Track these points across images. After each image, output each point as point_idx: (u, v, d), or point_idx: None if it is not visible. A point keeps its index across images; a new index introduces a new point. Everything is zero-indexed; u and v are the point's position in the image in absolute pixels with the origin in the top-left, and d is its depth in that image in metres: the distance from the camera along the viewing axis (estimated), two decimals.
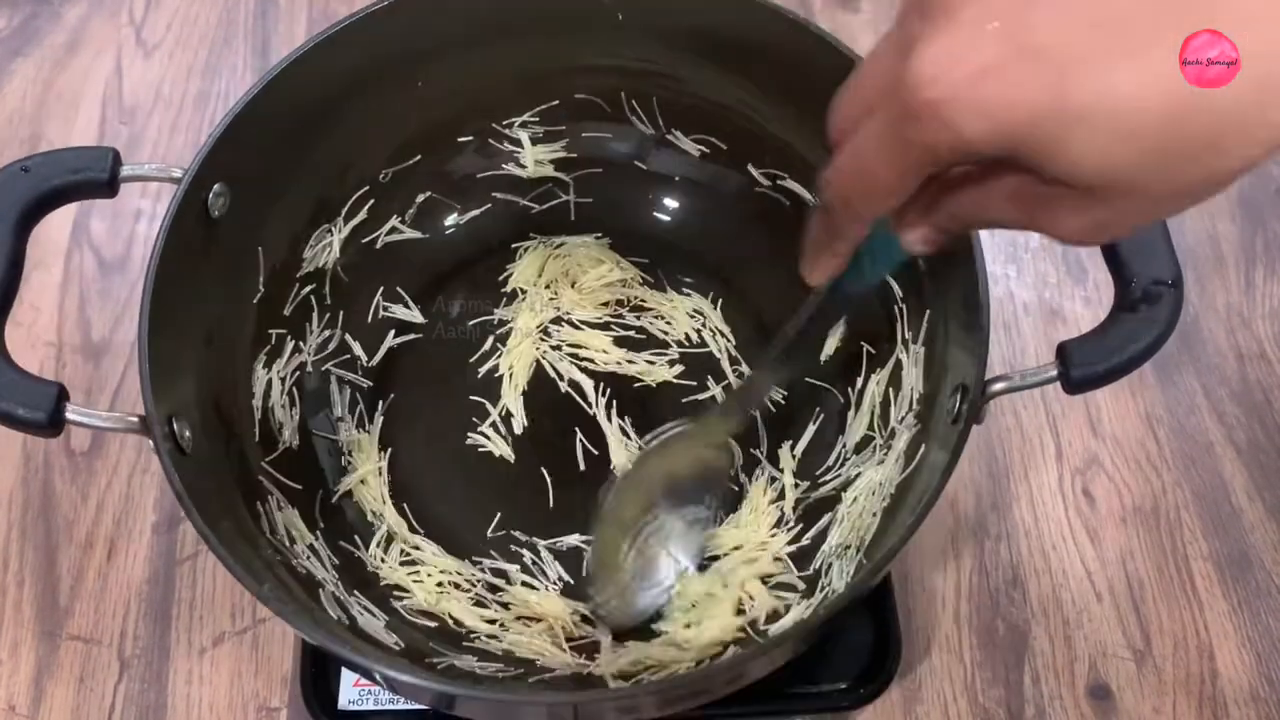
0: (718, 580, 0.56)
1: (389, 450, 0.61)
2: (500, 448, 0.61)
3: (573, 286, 0.66)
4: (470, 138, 0.65)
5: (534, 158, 0.66)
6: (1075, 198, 0.32)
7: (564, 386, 0.63)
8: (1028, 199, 0.33)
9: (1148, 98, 0.28)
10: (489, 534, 0.59)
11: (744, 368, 0.63)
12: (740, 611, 0.55)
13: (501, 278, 0.66)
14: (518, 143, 0.66)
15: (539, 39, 0.61)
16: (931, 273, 0.56)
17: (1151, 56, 0.28)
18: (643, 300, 0.66)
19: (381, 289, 0.65)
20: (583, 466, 0.61)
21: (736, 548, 0.58)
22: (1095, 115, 0.29)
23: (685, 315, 0.65)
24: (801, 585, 0.56)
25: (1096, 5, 0.29)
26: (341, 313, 0.64)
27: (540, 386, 0.63)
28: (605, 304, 0.66)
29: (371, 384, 0.63)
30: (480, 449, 0.62)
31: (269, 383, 0.59)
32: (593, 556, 0.57)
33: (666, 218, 0.68)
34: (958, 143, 0.30)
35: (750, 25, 0.58)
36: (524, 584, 0.57)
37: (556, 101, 0.64)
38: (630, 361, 0.64)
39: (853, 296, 0.46)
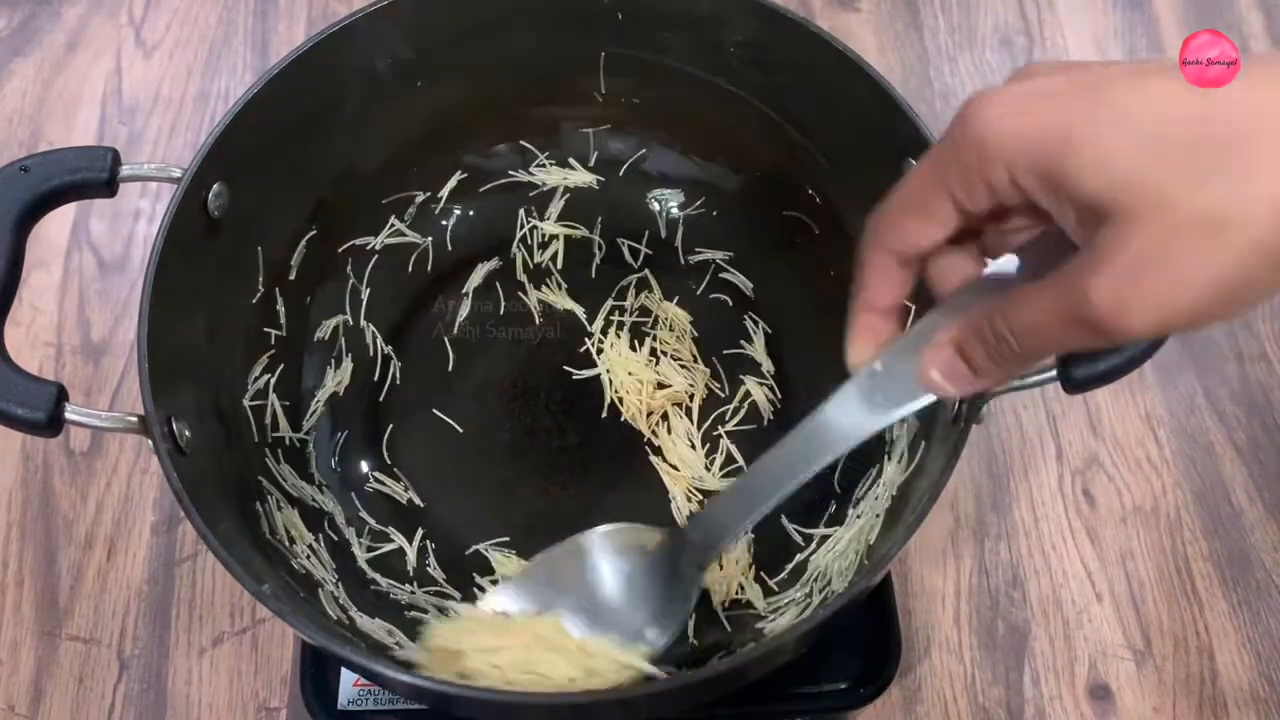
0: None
1: (388, 453, 0.61)
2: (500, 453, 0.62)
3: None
4: None
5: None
6: (1100, 254, 0.31)
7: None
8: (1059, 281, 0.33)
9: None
10: (491, 540, 0.59)
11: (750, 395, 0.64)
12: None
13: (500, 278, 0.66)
14: None
15: (537, 38, 0.61)
16: None
17: None
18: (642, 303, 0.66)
19: (381, 290, 0.65)
20: (583, 466, 0.61)
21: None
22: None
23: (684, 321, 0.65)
24: (801, 585, 0.56)
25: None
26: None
27: (537, 387, 0.63)
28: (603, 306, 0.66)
29: (370, 384, 0.63)
30: (481, 452, 0.62)
31: (268, 383, 0.59)
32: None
33: (667, 218, 0.67)
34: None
35: (750, 25, 0.57)
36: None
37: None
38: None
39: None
